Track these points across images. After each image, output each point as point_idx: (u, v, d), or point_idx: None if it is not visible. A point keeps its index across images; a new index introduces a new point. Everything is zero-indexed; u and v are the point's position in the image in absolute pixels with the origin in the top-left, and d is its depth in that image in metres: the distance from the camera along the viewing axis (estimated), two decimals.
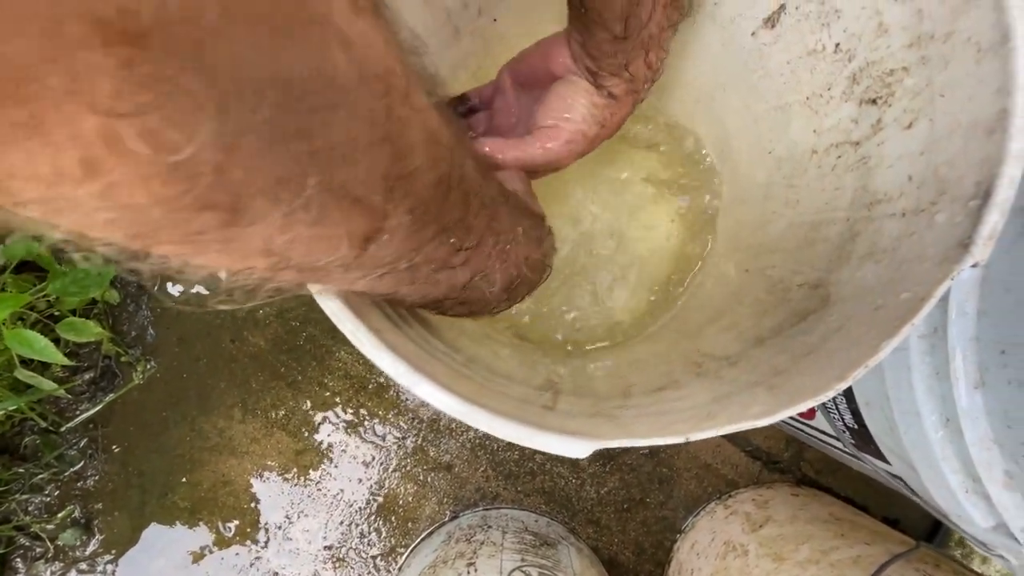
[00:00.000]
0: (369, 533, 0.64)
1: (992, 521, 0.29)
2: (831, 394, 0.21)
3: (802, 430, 0.51)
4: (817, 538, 0.48)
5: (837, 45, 0.30)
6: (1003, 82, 0.21)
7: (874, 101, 0.29)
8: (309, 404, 0.64)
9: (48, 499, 0.65)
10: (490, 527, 0.58)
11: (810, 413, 0.47)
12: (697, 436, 0.21)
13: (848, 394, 0.38)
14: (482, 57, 0.45)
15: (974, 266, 0.21)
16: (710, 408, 0.24)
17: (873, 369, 0.34)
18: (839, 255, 0.29)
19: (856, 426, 0.39)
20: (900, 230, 0.25)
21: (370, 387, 0.64)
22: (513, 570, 0.48)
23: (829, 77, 0.31)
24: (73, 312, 0.60)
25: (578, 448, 0.20)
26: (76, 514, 0.64)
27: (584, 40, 0.31)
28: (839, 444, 0.45)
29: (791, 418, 0.52)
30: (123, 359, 0.64)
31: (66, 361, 0.55)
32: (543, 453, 0.64)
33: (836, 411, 0.41)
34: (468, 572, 0.48)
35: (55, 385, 0.58)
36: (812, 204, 0.34)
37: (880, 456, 0.38)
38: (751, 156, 0.41)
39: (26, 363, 0.57)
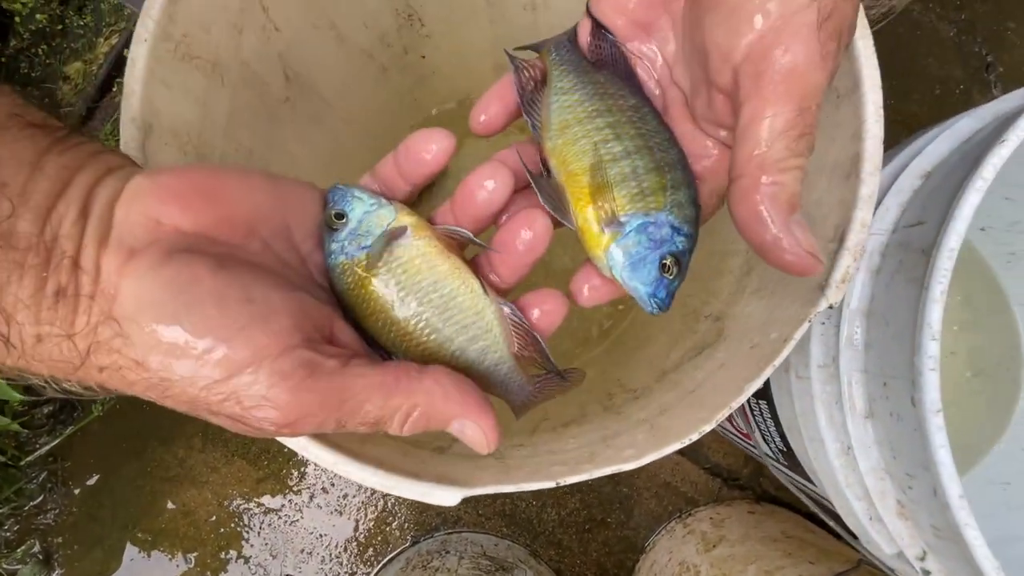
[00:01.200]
0: (330, 561, 0.64)
1: (895, 548, 0.29)
2: (695, 437, 0.21)
3: (750, 449, 0.52)
4: (765, 558, 0.48)
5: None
6: (856, 127, 0.22)
7: None
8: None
9: (7, 534, 0.64)
10: (448, 552, 0.58)
11: (748, 435, 0.47)
12: (568, 480, 0.21)
13: (775, 416, 0.39)
14: (418, 90, 0.46)
15: (830, 307, 0.21)
16: (594, 448, 0.24)
17: (786, 395, 0.35)
18: (737, 287, 0.30)
19: (785, 448, 0.39)
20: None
21: None
22: None
23: None
24: None
25: (447, 497, 0.21)
26: (35, 549, 0.64)
27: None
28: (777, 465, 0.45)
29: (741, 437, 0.52)
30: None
31: (21, 398, 0.55)
32: None
33: (768, 432, 0.41)
34: None
35: (9, 420, 0.58)
36: (722, 235, 0.35)
37: (807, 478, 0.38)
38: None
39: None
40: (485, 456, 0.26)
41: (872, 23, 0.65)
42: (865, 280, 0.27)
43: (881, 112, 0.22)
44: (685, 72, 0.21)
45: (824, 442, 0.30)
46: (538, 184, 0.20)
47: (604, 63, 0.21)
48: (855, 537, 0.32)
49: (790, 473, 0.42)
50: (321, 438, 0.21)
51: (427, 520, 0.64)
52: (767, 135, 0.18)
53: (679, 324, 0.35)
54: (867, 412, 0.27)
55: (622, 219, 0.19)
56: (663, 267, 0.19)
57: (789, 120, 0.18)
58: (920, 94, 0.66)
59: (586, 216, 0.19)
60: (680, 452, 0.64)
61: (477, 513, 0.64)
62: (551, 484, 0.21)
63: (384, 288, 0.19)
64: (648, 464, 0.63)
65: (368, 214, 0.20)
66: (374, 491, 0.64)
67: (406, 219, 0.20)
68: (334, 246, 0.20)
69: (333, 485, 0.64)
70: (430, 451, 0.25)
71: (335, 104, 0.38)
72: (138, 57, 0.22)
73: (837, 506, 0.32)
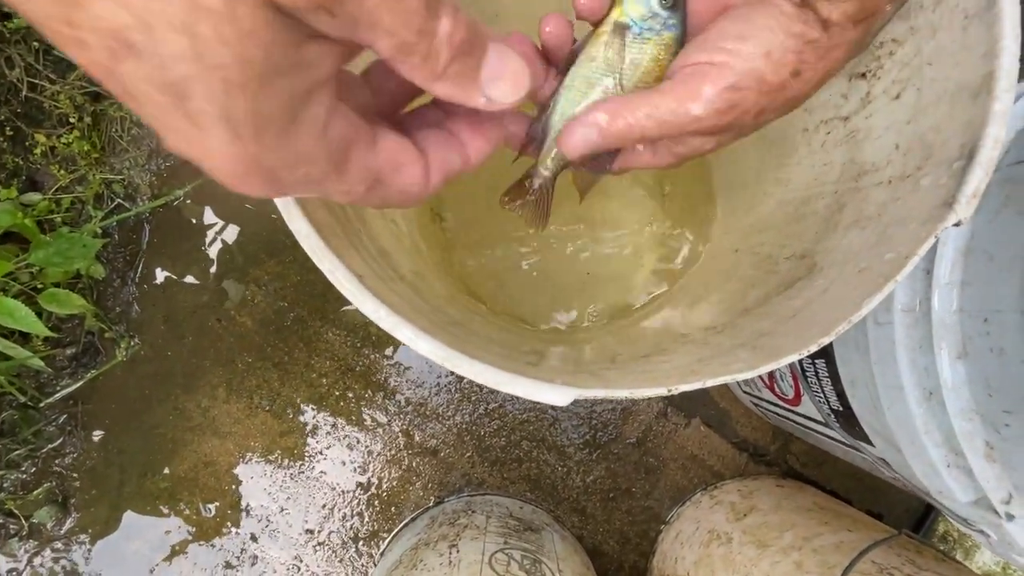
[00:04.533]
0: (351, 517, 0.63)
1: (973, 495, 0.29)
2: (813, 348, 0.21)
3: (788, 418, 0.51)
4: (800, 526, 0.48)
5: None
6: (989, 46, 0.22)
7: (863, 75, 0.29)
8: (295, 385, 0.64)
9: (24, 476, 0.63)
10: (474, 512, 0.57)
11: (796, 399, 0.47)
12: (681, 388, 0.21)
13: (834, 375, 0.38)
14: None
15: (957, 224, 0.21)
16: (693, 367, 0.24)
17: (858, 346, 0.34)
18: (826, 226, 0.29)
19: (841, 408, 0.39)
20: (886, 197, 0.26)
21: (357, 369, 0.64)
22: (496, 552, 0.48)
23: None
24: (56, 285, 0.59)
25: (558, 395, 0.20)
26: (53, 492, 0.63)
27: None
28: (825, 430, 0.45)
29: (778, 406, 0.52)
30: (107, 335, 0.64)
31: (47, 332, 0.54)
32: (530, 439, 0.64)
33: (822, 394, 0.41)
34: (451, 553, 0.48)
35: (29, 353, 0.57)
36: (802, 181, 0.34)
37: (864, 438, 0.38)
38: (743, 140, 0.41)
39: (6, 335, 0.56)
40: (576, 373, 0.25)
41: None
42: (948, 255, 0.27)
43: (1019, 29, 0.21)
44: None
45: (904, 388, 0.30)
46: None
47: None
48: (918, 493, 0.32)
49: (840, 435, 0.42)
50: (432, 332, 0.20)
51: (451, 481, 0.64)
52: (640, 108, 0.21)
53: (749, 269, 0.34)
54: (961, 352, 0.27)
55: None
56: None
57: (659, 118, 0.21)
58: None
59: None
60: (708, 424, 0.64)
61: (502, 476, 0.64)
62: (664, 391, 0.20)
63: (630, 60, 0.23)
64: (676, 436, 0.62)
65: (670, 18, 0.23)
66: (398, 450, 0.64)
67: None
68: (646, 13, 0.23)
69: (358, 442, 0.63)
70: (523, 364, 0.24)
71: None
72: None
73: (908, 456, 0.31)
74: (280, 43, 0.13)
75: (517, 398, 0.63)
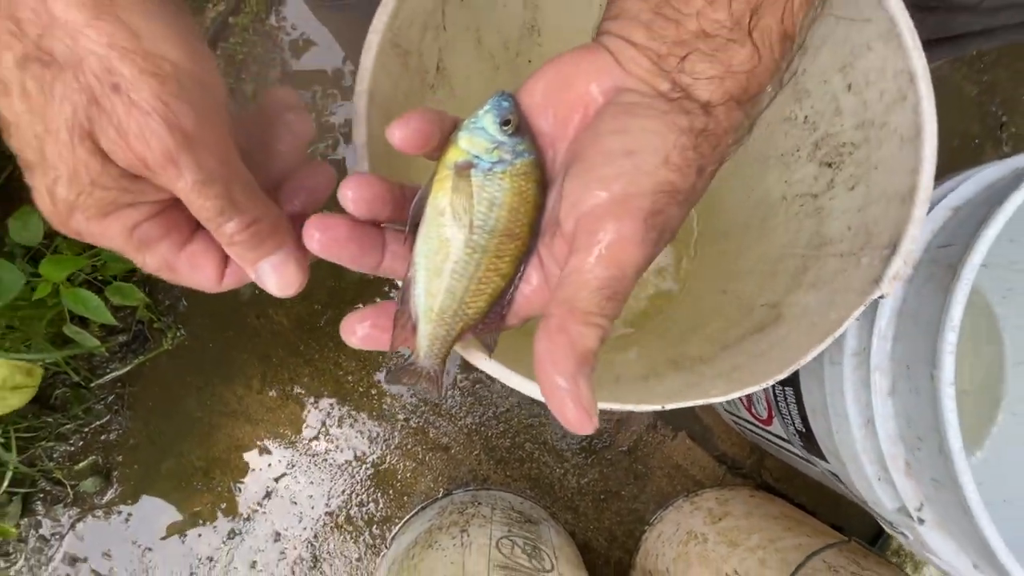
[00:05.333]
0: (368, 503, 0.70)
1: (896, 504, 0.36)
2: (771, 383, 0.28)
3: (761, 435, 0.59)
4: (767, 530, 0.56)
5: (806, 117, 0.38)
6: (915, 165, 0.29)
7: (830, 164, 0.37)
8: (323, 380, 0.70)
9: (72, 448, 0.70)
10: (480, 503, 0.64)
11: (768, 420, 0.54)
12: (671, 406, 0.28)
13: (799, 402, 0.46)
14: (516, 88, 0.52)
15: (880, 297, 0.28)
16: (682, 391, 0.31)
17: (818, 380, 0.42)
18: (793, 283, 0.37)
19: (804, 430, 0.46)
20: (837, 267, 0.33)
21: (381, 370, 0.71)
22: (501, 538, 0.55)
23: (798, 141, 0.39)
24: (114, 278, 0.66)
25: None
26: (97, 465, 0.70)
27: None
28: (790, 447, 0.52)
29: (754, 425, 0.59)
30: (155, 325, 0.70)
31: (114, 321, 0.61)
32: (532, 442, 0.71)
33: (789, 417, 0.48)
34: (462, 536, 0.55)
35: (97, 342, 0.63)
36: (778, 241, 0.41)
37: (821, 455, 0.45)
38: (735, 198, 0.48)
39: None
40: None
41: None
42: (899, 287, 0.34)
43: (935, 154, 0.29)
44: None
45: (848, 417, 0.37)
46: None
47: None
48: (859, 502, 0.39)
49: (803, 452, 0.49)
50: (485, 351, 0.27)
51: (460, 475, 0.70)
52: (583, 288, 0.19)
53: (735, 311, 0.42)
54: (890, 390, 0.34)
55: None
56: None
57: (604, 281, 0.19)
58: (941, 142, 0.74)
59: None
60: (692, 438, 0.71)
61: (505, 474, 0.71)
62: (658, 407, 0.27)
63: (483, 200, 0.20)
64: (664, 447, 0.69)
65: (519, 143, 0.21)
66: (413, 445, 0.70)
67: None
68: (489, 144, 0.20)
69: (377, 436, 0.70)
70: None
71: (458, 94, 0.45)
72: (372, 43, 0.29)
73: (851, 471, 0.39)
74: (102, 177, 0.18)
75: (523, 405, 0.70)
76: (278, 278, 0.22)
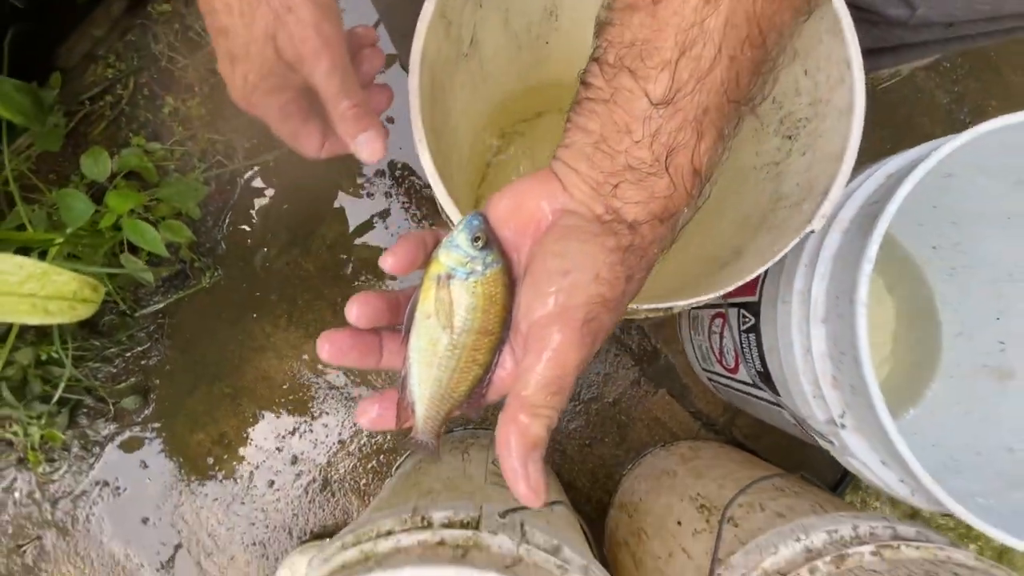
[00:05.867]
0: (376, 435, 0.78)
1: (826, 416, 0.44)
2: (719, 292, 0.36)
3: (730, 386, 0.67)
4: (730, 467, 0.64)
5: (774, 98, 0.46)
6: (847, 132, 0.37)
7: (789, 136, 0.45)
8: (343, 324, 0.78)
9: (115, 371, 0.78)
10: (478, 437, 0.72)
11: (735, 368, 0.62)
12: (644, 307, 0.36)
13: (759, 346, 0.54)
14: (534, 66, 0.60)
15: (811, 232, 0.36)
16: (651, 302, 0.39)
17: (772, 325, 0.50)
18: (755, 232, 0.45)
19: (762, 369, 0.54)
20: (786, 215, 0.41)
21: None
22: (494, 459, 0.62)
23: (767, 118, 0.47)
24: (162, 218, 0.74)
25: None
26: (136, 386, 0.78)
27: (586, 121, 0.24)
28: (752, 390, 0.60)
29: (724, 376, 0.67)
30: (196, 264, 0.78)
31: (166, 253, 0.68)
32: None
33: (751, 360, 0.56)
34: (463, 455, 0.63)
35: (144, 266, 0.71)
36: (748, 202, 0.49)
37: (774, 390, 0.53)
38: (718, 171, 0.56)
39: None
40: None
41: (881, 81, 0.81)
42: (836, 237, 0.42)
43: (862, 123, 0.37)
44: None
45: (793, 347, 0.45)
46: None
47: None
48: (803, 426, 0.47)
49: (761, 392, 0.57)
50: None
51: (457, 418, 0.78)
52: (531, 385, 0.22)
53: (709, 260, 0.50)
54: (824, 318, 0.42)
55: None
56: None
57: (548, 379, 0.22)
58: (909, 144, 0.82)
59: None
60: (672, 395, 0.79)
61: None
62: (633, 306, 0.35)
63: (462, 305, 0.25)
64: (645, 401, 0.77)
65: (488, 256, 0.25)
66: None
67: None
68: (464, 258, 0.25)
69: (388, 376, 0.78)
70: None
71: (486, 67, 0.53)
72: (427, 11, 0.37)
73: (794, 395, 0.47)
74: (276, 66, 0.30)
75: None
76: (369, 146, 0.32)
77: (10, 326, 0.65)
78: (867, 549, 0.38)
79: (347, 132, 0.31)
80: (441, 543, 0.36)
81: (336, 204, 0.79)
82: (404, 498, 0.46)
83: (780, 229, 0.40)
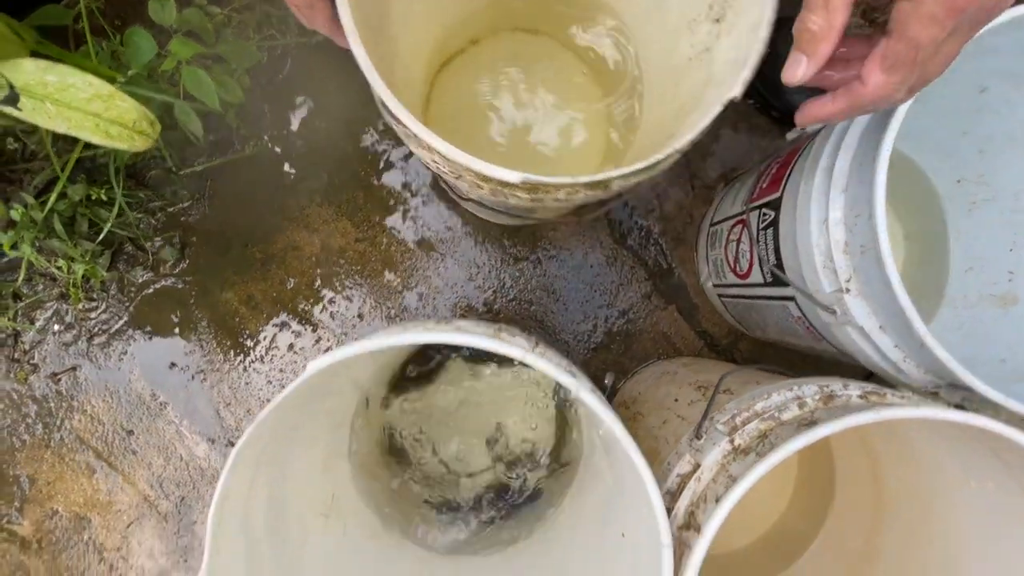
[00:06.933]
0: (397, 316, 0.82)
1: (834, 286, 0.47)
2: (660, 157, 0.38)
3: (741, 296, 0.69)
4: (730, 368, 0.67)
5: None
6: (762, 9, 0.38)
7: (717, 20, 0.46)
8: (374, 204, 0.82)
9: (156, 223, 0.82)
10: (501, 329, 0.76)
11: (747, 272, 0.65)
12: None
13: (776, 237, 0.56)
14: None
15: (733, 98, 0.38)
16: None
17: (791, 206, 0.52)
18: (687, 117, 0.47)
19: (776, 260, 0.57)
20: (715, 94, 0.42)
21: (425, 204, 0.82)
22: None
23: (698, 8, 0.48)
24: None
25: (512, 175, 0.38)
26: (175, 240, 0.82)
27: None
28: (762, 290, 0.62)
29: (736, 286, 0.70)
30: (241, 131, 0.81)
31: (219, 109, 0.71)
32: (543, 290, 0.82)
33: (767, 254, 0.58)
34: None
35: (201, 126, 0.74)
36: (683, 93, 0.51)
37: (784, 283, 0.55)
38: (660, 70, 0.58)
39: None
40: None
41: None
42: (855, 131, 0.44)
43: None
44: None
45: (810, 220, 0.47)
46: None
47: None
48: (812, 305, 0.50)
49: (770, 290, 0.60)
50: None
51: (478, 304, 0.82)
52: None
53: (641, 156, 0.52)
54: (844, 187, 0.44)
55: None
56: None
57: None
58: None
59: None
60: (680, 312, 0.82)
61: (516, 311, 0.82)
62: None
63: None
64: (654, 315, 0.80)
65: None
66: (438, 274, 0.82)
67: None
68: None
69: (413, 257, 0.82)
70: None
71: None
72: None
73: (805, 273, 0.49)
74: None
75: (541, 263, 0.81)
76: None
77: (72, 148, 0.68)
78: (855, 393, 0.41)
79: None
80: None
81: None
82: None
83: (706, 104, 0.42)
